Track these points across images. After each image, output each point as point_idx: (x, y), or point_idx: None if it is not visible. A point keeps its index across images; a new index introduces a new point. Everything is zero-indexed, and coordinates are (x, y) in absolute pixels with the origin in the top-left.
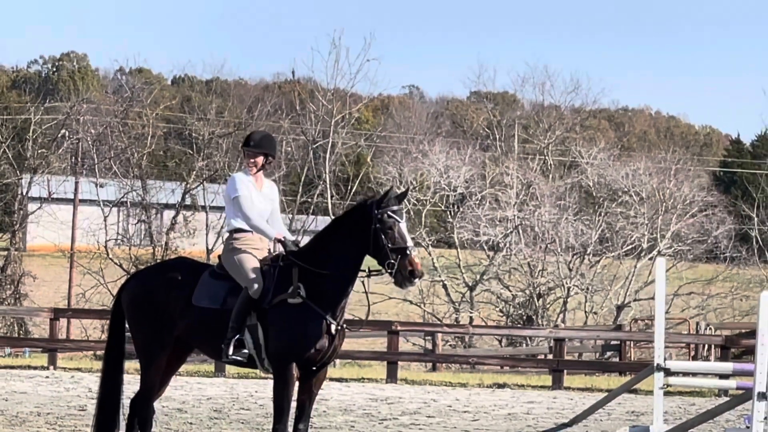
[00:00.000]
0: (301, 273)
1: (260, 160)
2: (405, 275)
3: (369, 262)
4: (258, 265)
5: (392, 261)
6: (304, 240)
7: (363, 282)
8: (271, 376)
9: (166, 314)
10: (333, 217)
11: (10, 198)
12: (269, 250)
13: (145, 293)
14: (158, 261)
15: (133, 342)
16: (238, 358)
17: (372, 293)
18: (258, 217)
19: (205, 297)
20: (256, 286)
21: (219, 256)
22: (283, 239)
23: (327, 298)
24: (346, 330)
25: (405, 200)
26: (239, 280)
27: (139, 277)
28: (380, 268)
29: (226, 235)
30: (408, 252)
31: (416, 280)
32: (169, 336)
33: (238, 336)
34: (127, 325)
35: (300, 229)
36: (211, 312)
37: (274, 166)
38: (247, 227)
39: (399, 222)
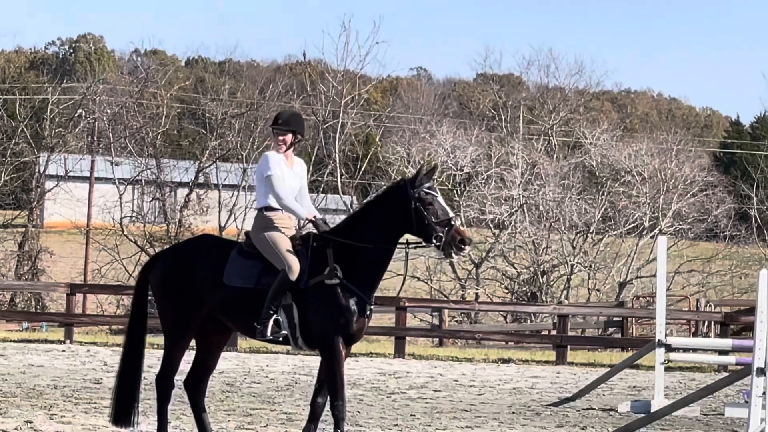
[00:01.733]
0: (336, 253)
1: (289, 137)
2: (455, 245)
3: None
4: (291, 244)
5: (440, 234)
6: (327, 217)
7: (407, 253)
8: (282, 349)
9: (195, 292)
10: (341, 195)
11: (28, 176)
12: (298, 227)
13: (174, 271)
14: (172, 238)
15: (159, 319)
16: (276, 337)
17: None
18: (289, 196)
19: (237, 276)
20: (295, 268)
21: (247, 233)
22: (314, 219)
23: (363, 278)
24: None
25: (435, 176)
26: (274, 260)
27: (166, 255)
28: (418, 240)
29: (255, 212)
30: (453, 222)
31: (466, 248)
32: (197, 314)
33: (274, 317)
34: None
35: None
36: (245, 291)
37: (302, 144)
38: (277, 205)
39: (436, 196)
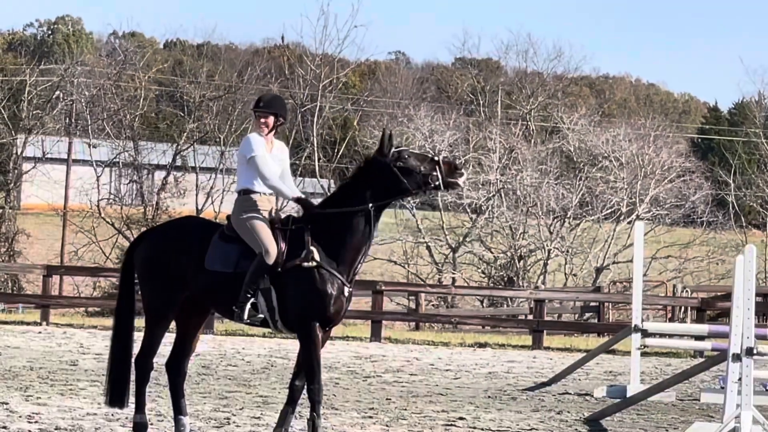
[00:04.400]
0: (315, 236)
1: (271, 120)
2: (451, 174)
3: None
4: (269, 228)
5: (434, 174)
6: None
7: (389, 237)
8: (258, 332)
9: (177, 274)
10: (318, 179)
11: (5, 158)
12: (276, 210)
13: (157, 253)
14: (149, 220)
15: (141, 300)
16: (253, 321)
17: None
18: (274, 176)
19: (217, 261)
20: (272, 252)
21: (227, 217)
22: (300, 198)
23: (341, 261)
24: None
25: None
26: (252, 244)
27: (150, 236)
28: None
29: (236, 196)
30: (437, 159)
31: (463, 172)
32: (178, 296)
33: (252, 300)
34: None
35: None
36: (224, 276)
37: (285, 128)
38: (256, 189)
39: (408, 149)
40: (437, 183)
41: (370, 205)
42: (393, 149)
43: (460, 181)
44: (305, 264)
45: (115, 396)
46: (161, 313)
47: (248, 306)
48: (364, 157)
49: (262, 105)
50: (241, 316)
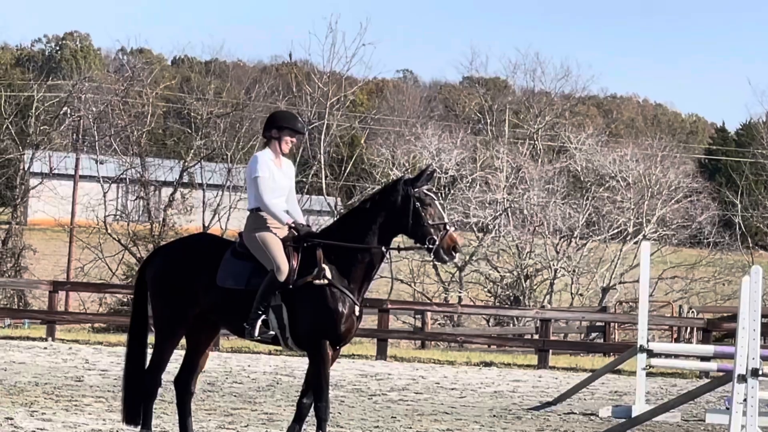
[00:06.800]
0: (328, 254)
1: (296, 140)
2: (447, 250)
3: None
4: (281, 245)
5: (434, 237)
6: (307, 220)
7: (395, 256)
8: (264, 349)
9: (189, 291)
10: (325, 196)
11: (12, 173)
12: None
13: (169, 269)
14: (155, 237)
15: (152, 316)
16: (264, 338)
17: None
18: (272, 201)
19: (229, 278)
20: (284, 269)
21: (240, 234)
22: (294, 225)
23: (353, 278)
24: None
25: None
26: (264, 261)
27: (162, 253)
28: (411, 245)
29: (248, 213)
30: (448, 228)
31: (457, 256)
32: (190, 312)
33: (263, 317)
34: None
35: None
36: (235, 293)
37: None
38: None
39: (435, 199)
40: (431, 246)
41: (383, 248)
42: (424, 188)
43: (450, 260)
44: (317, 282)
45: (132, 414)
46: (172, 329)
47: (259, 323)
48: (393, 180)
49: (299, 126)
50: (252, 333)
